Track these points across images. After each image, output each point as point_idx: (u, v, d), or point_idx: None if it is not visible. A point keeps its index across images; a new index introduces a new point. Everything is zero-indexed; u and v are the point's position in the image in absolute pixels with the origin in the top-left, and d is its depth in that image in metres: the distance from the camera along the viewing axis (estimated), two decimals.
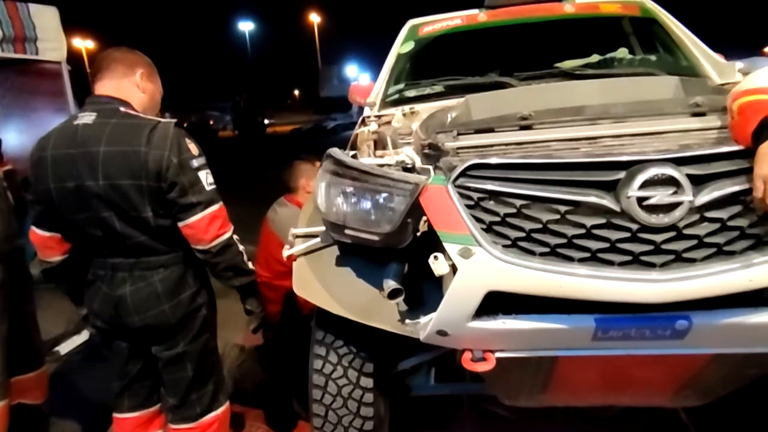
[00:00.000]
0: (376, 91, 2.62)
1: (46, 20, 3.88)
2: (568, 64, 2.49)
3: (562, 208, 1.22)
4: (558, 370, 1.45)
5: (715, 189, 1.16)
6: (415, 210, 1.36)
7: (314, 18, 44.03)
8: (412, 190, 1.34)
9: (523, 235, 1.25)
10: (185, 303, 1.72)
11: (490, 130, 1.54)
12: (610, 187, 1.20)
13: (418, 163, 1.52)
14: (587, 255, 1.22)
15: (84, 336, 3.27)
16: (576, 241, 1.22)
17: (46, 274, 1.84)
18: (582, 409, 2.24)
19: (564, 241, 1.23)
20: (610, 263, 1.21)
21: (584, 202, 1.21)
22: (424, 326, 1.38)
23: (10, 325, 1.97)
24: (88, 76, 1.83)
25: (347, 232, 1.46)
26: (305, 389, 1.78)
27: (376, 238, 1.42)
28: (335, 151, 1.52)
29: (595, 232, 1.21)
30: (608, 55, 2.62)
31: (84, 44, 34.08)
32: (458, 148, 1.49)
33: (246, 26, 45.73)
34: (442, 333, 1.35)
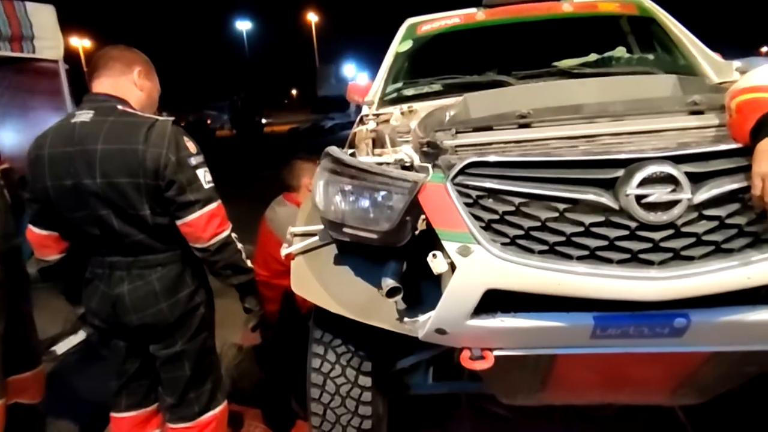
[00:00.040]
0: (374, 90, 2.62)
1: (43, 18, 3.87)
2: (566, 63, 2.49)
3: (561, 206, 1.22)
4: (556, 368, 1.45)
5: (714, 187, 1.17)
6: (414, 208, 1.36)
7: (312, 17, 44.05)
8: (410, 188, 1.34)
9: (521, 233, 1.25)
10: (183, 302, 1.72)
11: (489, 129, 1.54)
12: (609, 185, 1.20)
13: (417, 162, 1.52)
14: (586, 253, 1.22)
15: (81, 335, 3.26)
16: (575, 239, 1.22)
17: (43, 273, 1.84)
18: (580, 407, 2.25)
19: (563, 239, 1.23)
20: (609, 261, 1.21)
21: (583, 200, 1.21)
22: (423, 325, 1.38)
23: (6, 324, 1.96)
24: (85, 75, 1.82)
25: (346, 230, 1.46)
26: (303, 388, 1.78)
27: (374, 236, 1.42)
28: (334, 150, 1.52)
29: (594, 230, 1.21)
30: (606, 54, 2.62)
31: (81, 43, 33.99)
32: (457, 146, 1.49)
33: (243, 25, 45.75)
34: (440, 331, 1.35)
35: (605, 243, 1.21)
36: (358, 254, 1.58)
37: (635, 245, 1.20)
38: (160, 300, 1.67)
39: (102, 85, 1.68)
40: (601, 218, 1.21)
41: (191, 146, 1.65)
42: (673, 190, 1.15)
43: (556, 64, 2.48)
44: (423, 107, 2.21)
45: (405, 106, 2.32)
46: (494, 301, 1.28)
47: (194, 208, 1.62)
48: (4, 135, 4.16)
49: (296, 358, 1.97)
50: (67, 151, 1.58)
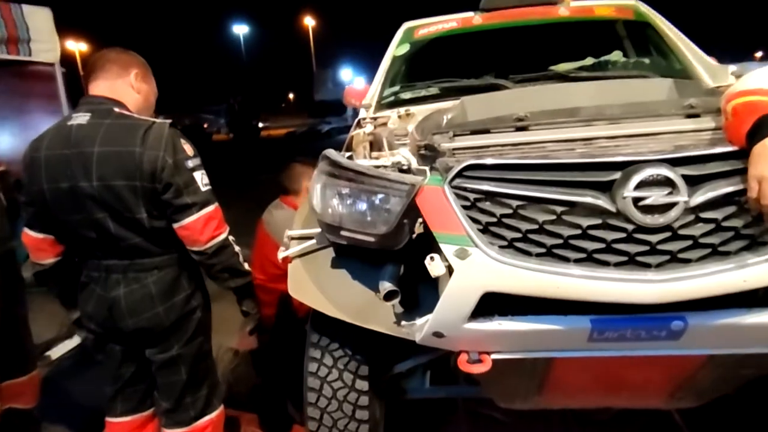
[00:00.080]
0: (371, 94, 2.63)
1: (40, 21, 3.85)
2: (562, 67, 2.51)
3: (558, 209, 1.22)
4: (554, 372, 1.45)
5: (710, 189, 1.17)
6: (411, 211, 1.36)
7: (309, 21, 44.08)
8: (408, 190, 1.34)
9: (519, 235, 1.25)
10: (179, 305, 1.71)
11: (486, 131, 1.54)
12: (606, 188, 1.20)
13: (414, 164, 1.52)
14: (583, 256, 1.22)
15: (75, 340, 3.24)
16: (572, 241, 1.22)
17: (38, 277, 1.82)
18: (578, 411, 2.25)
19: (560, 241, 1.23)
20: (606, 264, 1.21)
21: (580, 202, 1.20)
22: (420, 328, 1.37)
23: (1, 328, 1.95)
24: (81, 79, 1.82)
25: (343, 233, 1.46)
26: (300, 392, 1.77)
27: (372, 239, 1.42)
28: (331, 153, 1.52)
29: (591, 232, 1.21)
30: (602, 58, 2.64)
31: (77, 47, 33.95)
32: (454, 149, 1.49)
33: (240, 29, 45.74)
34: (438, 335, 1.35)
35: (602, 246, 1.21)
36: (355, 257, 1.58)
37: (632, 248, 1.20)
38: (156, 303, 1.66)
39: (99, 87, 1.67)
40: (599, 221, 1.21)
41: (188, 149, 1.64)
42: (670, 193, 1.15)
43: (552, 68, 2.49)
44: (420, 111, 2.22)
45: (402, 110, 2.33)
46: (492, 304, 1.28)
47: (191, 211, 1.61)
48: (0, 138, 4.14)
49: (293, 362, 1.96)
50: (63, 154, 1.58)
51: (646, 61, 2.69)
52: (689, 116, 1.47)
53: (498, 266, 1.23)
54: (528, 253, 1.24)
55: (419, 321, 1.38)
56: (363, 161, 1.62)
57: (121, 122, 1.61)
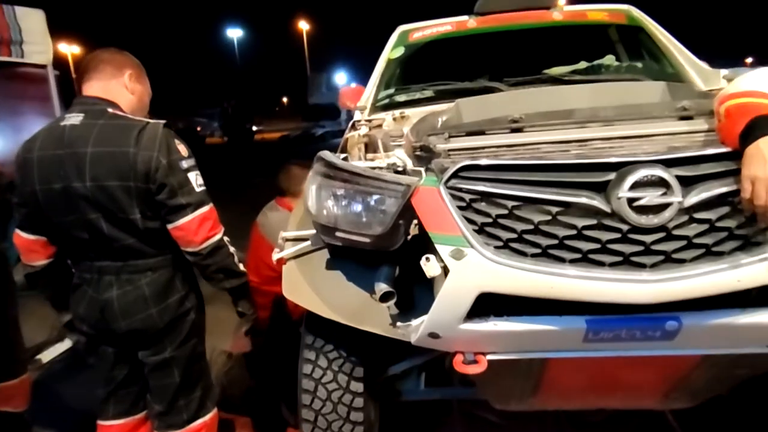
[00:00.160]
0: (366, 96, 2.63)
1: (33, 23, 3.84)
2: (556, 71, 2.53)
3: (554, 209, 1.23)
4: (549, 372, 1.45)
5: (704, 190, 1.17)
6: (407, 212, 1.36)
7: (303, 25, 44.15)
8: (403, 191, 1.34)
9: (514, 236, 1.25)
10: (173, 307, 1.70)
11: (482, 133, 1.55)
12: (601, 189, 1.21)
13: (410, 166, 1.52)
14: (578, 256, 1.22)
15: (67, 344, 3.21)
16: (567, 242, 1.23)
17: (29, 279, 1.80)
18: (572, 413, 2.25)
19: (555, 242, 1.23)
20: (601, 264, 1.22)
21: (575, 203, 1.21)
22: (416, 329, 1.37)
23: None
24: (73, 82, 1.81)
25: (338, 234, 1.46)
26: (294, 395, 1.76)
27: (367, 240, 1.41)
28: (326, 154, 1.51)
29: (586, 233, 1.22)
30: (595, 62, 2.66)
31: (70, 49, 33.80)
32: (449, 150, 1.49)
33: (234, 33, 45.73)
34: (433, 335, 1.34)
35: (597, 246, 1.21)
36: (350, 259, 1.58)
37: (627, 248, 1.20)
38: (149, 305, 1.65)
39: (92, 88, 1.66)
40: (594, 221, 1.21)
41: (182, 149, 1.63)
42: (664, 194, 1.16)
43: (546, 71, 2.51)
44: (415, 113, 2.23)
45: (397, 112, 2.34)
46: (487, 305, 1.28)
47: (186, 212, 1.60)
48: None
49: (287, 365, 1.95)
50: (56, 154, 1.56)
51: (639, 64, 2.71)
52: (682, 118, 1.49)
53: (493, 267, 1.23)
54: (523, 254, 1.25)
55: (415, 322, 1.38)
56: (358, 163, 1.62)
57: (115, 122, 1.60)
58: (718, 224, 1.19)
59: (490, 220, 1.27)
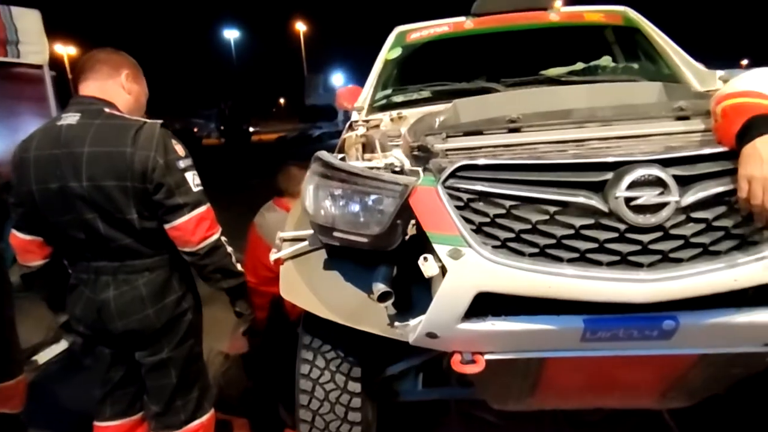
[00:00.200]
0: (363, 96, 2.63)
1: (29, 23, 3.83)
2: (553, 72, 2.53)
3: (551, 209, 1.23)
4: (546, 372, 1.45)
5: (701, 190, 1.18)
6: (405, 211, 1.36)
7: (300, 26, 44.12)
8: (401, 191, 1.33)
9: (512, 235, 1.25)
10: (170, 307, 1.69)
11: (479, 133, 1.55)
12: (598, 188, 1.21)
13: (407, 165, 1.52)
14: (576, 255, 1.22)
15: (63, 345, 3.20)
16: (565, 241, 1.23)
17: (25, 280, 1.80)
18: (569, 413, 2.25)
19: (553, 241, 1.23)
20: (599, 263, 1.22)
21: (573, 202, 1.21)
22: (414, 329, 1.37)
23: None
24: (70, 83, 1.80)
25: (336, 234, 1.45)
26: (291, 396, 1.75)
27: (365, 240, 1.41)
28: (324, 154, 1.51)
29: (584, 232, 1.22)
30: (592, 63, 2.67)
31: (66, 50, 33.72)
32: (447, 150, 1.49)
33: (231, 34, 45.69)
34: (431, 335, 1.34)
35: (595, 245, 1.21)
36: (348, 259, 1.58)
37: (624, 247, 1.20)
38: (146, 305, 1.65)
39: (89, 87, 1.66)
40: (591, 221, 1.21)
41: (179, 149, 1.63)
42: (662, 193, 1.16)
43: (543, 72, 2.51)
44: (412, 113, 2.22)
45: (395, 113, 2.34)
46: (485, 305, 1.28)
47: (183, 212, 1.60)
48: None
49: (284, 365, 1.95)
50: (53, 154, 1.56)
51: (636, 65, 2.72)
52: (679, 118, 1.49)
53: (491, 266, 1.23)
54: (521, 253, 1.25)
55: (412, 322, 1.38)
56: (356, 163, 1.62)
57: (112, 122, 1.59)
58: (715, 224, 1.20)
59: (487, 219, 1.27)
